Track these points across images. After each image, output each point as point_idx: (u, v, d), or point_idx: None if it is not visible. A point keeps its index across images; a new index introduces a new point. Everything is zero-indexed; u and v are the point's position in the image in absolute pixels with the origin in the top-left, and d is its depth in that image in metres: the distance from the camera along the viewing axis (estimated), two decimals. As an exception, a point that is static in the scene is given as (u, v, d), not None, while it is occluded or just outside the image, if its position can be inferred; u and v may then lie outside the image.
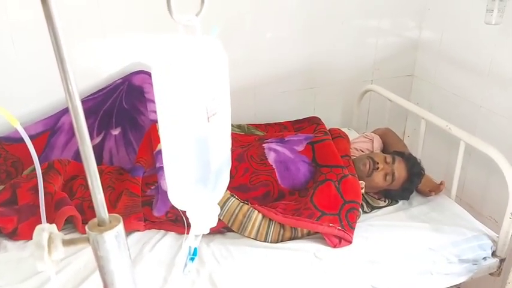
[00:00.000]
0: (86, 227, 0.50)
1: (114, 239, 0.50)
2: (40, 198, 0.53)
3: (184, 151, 0.52)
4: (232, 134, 0.66)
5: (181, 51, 0.48)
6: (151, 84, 1.85)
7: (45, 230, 0.48)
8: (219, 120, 0.52)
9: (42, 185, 0.50)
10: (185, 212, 1.38)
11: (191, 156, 0.53)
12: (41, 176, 0.53)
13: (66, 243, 0.49)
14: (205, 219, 0.59)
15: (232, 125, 1.57)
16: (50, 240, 0.48)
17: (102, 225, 0.50)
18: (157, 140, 1.61)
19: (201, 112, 0.50)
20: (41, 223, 1.44)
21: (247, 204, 1.44)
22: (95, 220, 0.50)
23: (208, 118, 0.50)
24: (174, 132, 0.51)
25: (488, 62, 1.83)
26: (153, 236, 1.42)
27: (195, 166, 0.54)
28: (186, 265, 0.65)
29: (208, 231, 0.62)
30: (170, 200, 0.57)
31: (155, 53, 0.48)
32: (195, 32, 0.53)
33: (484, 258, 1.46)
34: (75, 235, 1.42)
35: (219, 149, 0.55)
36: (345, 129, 1.97)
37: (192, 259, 0.64)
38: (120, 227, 0.50)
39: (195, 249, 0.64)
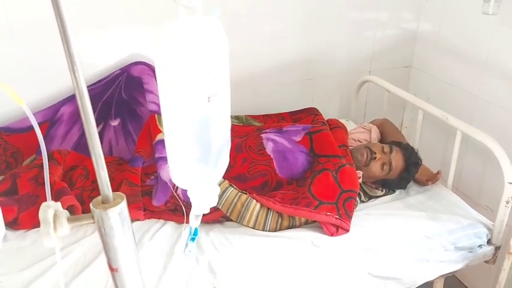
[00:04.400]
0: (91, 205, 0.51)
1: (118, 216, 0.51)
2: (45, 178, 0.53)
3: (185, 130, 0.53)
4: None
5: (182, 32, 0.49)
6: (150, 75, 1.84)
7: (50, 207, 0.49)
8: (219, 100, 0.54)
9: (47, 165, 0.51)
10: (184, 202, 1.39)
11: (192, 136, 0.54)
12: (46, 156, 0.54)
13: (71, 220, 0.50)
14: (206, 199, 0.61)
15: (230, 116, 1.58)
16: (56, 217, 0.49)
17: (106, 203, 0.51)
18: (157, 131, 1.61)
19: (202, 92, 0.51)
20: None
21: (246, 193, 1.45)
22: (99, 198, 0.51)
23: (208, 98, 0.51)
24: (176, 111, 0.52)
25: (486, 52, 1.84)
26: (152, 225, 1.43)
27: (196, 145, 0.55)
28: (187, 245, 0.66)
29: (208, 211, 0.63)
30: (172, 178, 0.58)
31: (157, 34, 0.48)
32: (195, 13, 0.53)
33: (480, 246, 1.47)
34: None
35: (219, 128, 0.56)
36: (343, 120, 1.97)
37: (193, 239, 0.65)
38: (124, 205, 0.51)
39: (196, 229, 0.65)
